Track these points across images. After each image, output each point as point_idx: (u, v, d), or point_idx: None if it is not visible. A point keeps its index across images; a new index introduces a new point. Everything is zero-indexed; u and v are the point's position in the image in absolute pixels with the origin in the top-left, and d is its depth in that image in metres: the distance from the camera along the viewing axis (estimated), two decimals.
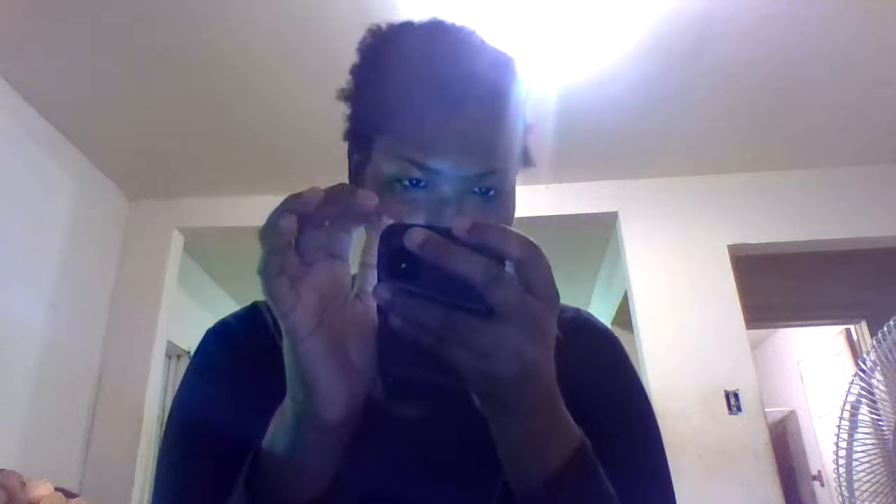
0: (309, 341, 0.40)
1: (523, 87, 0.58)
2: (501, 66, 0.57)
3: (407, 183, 0.54)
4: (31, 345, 2.64)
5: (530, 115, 0.60)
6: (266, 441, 0.45)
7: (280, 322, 0.39)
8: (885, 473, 2.31)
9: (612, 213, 3.30)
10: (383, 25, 0.60)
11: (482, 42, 0.58)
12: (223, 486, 0.51)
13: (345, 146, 0.63)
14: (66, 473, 2.72)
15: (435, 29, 0.58)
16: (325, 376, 0.40)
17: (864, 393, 2.42)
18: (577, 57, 2.45)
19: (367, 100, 0.58)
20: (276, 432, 0.44)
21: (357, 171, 0.61)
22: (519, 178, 0.60)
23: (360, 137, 0.59)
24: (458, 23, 0.59)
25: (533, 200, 3.17)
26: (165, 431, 0.59)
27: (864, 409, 2.43)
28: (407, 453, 0.57)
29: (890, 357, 2.33)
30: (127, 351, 3.06)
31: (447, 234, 0.37)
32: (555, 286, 0.39)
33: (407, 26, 0.59)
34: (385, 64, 0.57)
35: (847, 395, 2.48)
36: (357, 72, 0.60)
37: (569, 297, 0.61)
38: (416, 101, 0.53)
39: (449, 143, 0.53)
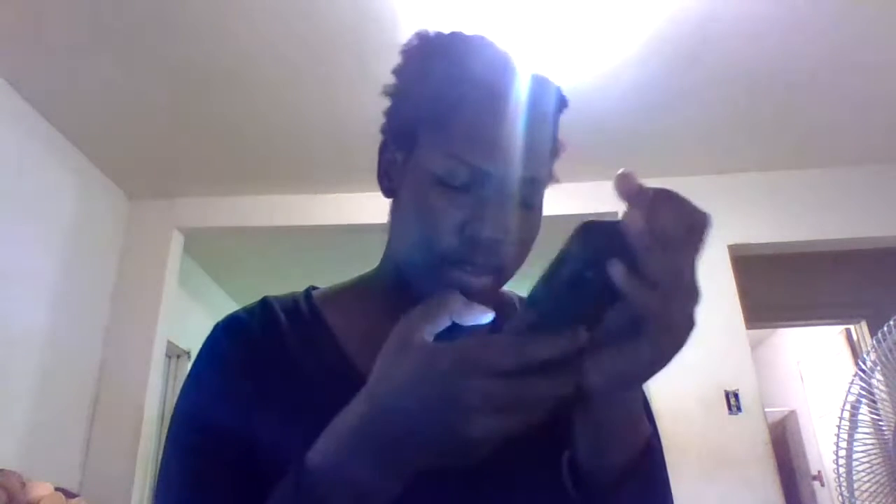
0: None
1: (562, 112, 0.62)
2: (550, 87, 0.60)
3: (450, 183, 0.54)
4: (31, 345, 2.64)
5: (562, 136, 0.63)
6: (329, 455, 0.44)
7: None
8: (885, 473, 2.31)
9: (612, 213, 3.30)
10: (430, 32, 0.61)
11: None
12: (239, 492, 0.50)
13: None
14: (66, 473, 2.72)
15: (484, 42, 0.59)
16: None
17: (864, 393, 2.42)
18: (580, 59, 2.45)
19: (418, 97, 0.58)
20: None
21: (390, 166, 0.61)
22: None
23: (403, 134, 0.60)
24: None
25: None
26: (171, 430, 0.57)
27: (864, 409, 2.43)
28: None
29: (890, 357, 2.33)
30: (127, 351, 3.06)
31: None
32: None
33: (458, 35, 0.60)
34: (440, 66, 0.58)
35: (847, 395, 2.48)
36: (404, 71, 0.61)
37: None
38: (472, 103, 0.55)
39: (500, 146, 0.54)
